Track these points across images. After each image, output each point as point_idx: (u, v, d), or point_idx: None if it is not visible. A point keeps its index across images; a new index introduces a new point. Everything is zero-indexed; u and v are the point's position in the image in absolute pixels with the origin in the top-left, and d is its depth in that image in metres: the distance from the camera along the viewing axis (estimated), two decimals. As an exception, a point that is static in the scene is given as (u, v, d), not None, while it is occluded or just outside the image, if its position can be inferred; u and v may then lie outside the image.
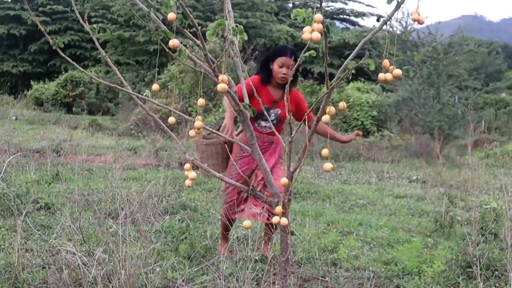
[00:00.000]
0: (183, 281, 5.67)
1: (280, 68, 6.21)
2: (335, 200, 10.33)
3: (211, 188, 10.47)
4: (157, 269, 5.89)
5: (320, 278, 6.05)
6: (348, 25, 52.35)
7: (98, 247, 6.41)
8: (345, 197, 10.75)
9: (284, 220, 3.31)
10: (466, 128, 21.59)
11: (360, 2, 53.34)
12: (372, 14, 52.24)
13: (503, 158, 18.05)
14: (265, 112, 4.84)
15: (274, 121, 6.33)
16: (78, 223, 6.43)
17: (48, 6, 44.95)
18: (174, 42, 3.06)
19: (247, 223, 3.37)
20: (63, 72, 36.09)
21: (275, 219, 3.31)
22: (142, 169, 12.25)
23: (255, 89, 4.80)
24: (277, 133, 4.72)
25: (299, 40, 34.18)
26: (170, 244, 6.88)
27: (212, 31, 3.24)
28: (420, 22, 3.14)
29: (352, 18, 52.72)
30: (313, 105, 3.36)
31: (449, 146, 19.69)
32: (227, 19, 3.33)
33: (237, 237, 7.11)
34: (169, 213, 8.23)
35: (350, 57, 3.17)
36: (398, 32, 20.75)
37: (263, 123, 6.35)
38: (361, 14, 51.97)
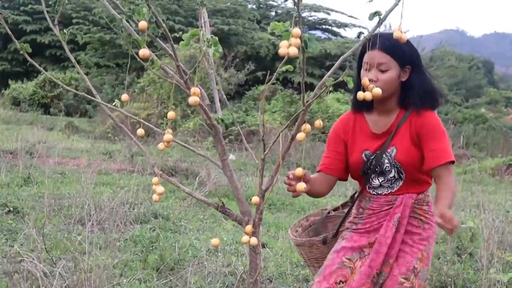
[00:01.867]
0: (150, 294, 5.54)
1: (365, 71, 3.54)
2: (310, 213, 10.18)
3: (185, 196, 10.31)
4: (124, 281, 5.74)
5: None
6: (330, 35, 52.28)
7: (64, 256, 6.28)
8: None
9: (254, 240, 3.17)
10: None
11: (342, 13, 53.54)
12: (354, 25, 52.24)
13: (480, 175, 17.99)
14: (370, 162, 3.70)
15: (392, 173, 3.70)
16: (43, 231, 6.26)
17: (30, 6, 44.61)
18: (144, 52, 2.91)
19: (215, 241, 3.22)
20: (41, 73, 35.76)
21: (244, 239, 3.17)
22: (116, 175, 12.07)
23: (342, 131, 3.80)
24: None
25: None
26: (139, 254, 6.72)
27: (186, 41, 3.11)
28: (402, 40, 3.02)
29: (334, 28, 52.71)
30: (289, 121, 3.21)
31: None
32: (202, 29, 3.20)
33: (207, 250, 6.98)
34: (140, 221, 8.08)
35: (328, 73, 3.04)
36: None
37: (376, 181, 3.76)
38: (343, 25, 51.97)
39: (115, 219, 7.74)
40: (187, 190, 3.46)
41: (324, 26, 52.38)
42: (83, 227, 7.23)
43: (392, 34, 3.09)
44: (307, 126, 3.03)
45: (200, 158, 15.24)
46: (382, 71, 3.49)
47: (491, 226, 8.18)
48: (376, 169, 3.71)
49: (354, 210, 3.94)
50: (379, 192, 3.77)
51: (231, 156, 16.71)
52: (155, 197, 3.28)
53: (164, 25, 2.97)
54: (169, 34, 2.99)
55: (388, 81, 3.50)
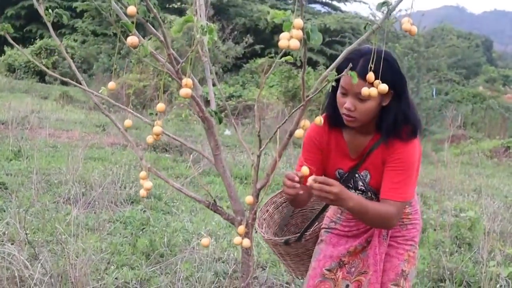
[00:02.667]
0: (138, 282, 5.34)
1: (342, 96, 3.21)
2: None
3: (179, 174, 10.10)
4: (112, 268, 5.55)
5: (285, 285, 5.73)
6: (330, 9, 51.97)
7: (50, 238, 6.09)
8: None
9: (246, 242, 2.97)
10: (442, 123, 21.46)
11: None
12: (355, 0, 51.86)
13: (478, 156, 17.84)
14: (344, 180, 3.48)
15: (368, 194, 3.49)
16: (25, 220, 6.06)
17: (26, -29, 44.27)
18: (133, 40, 2.69)
19: (205, 241, 3.02)
20: (37, 39, 35.53)
21: (236, 240, 2.96)
22: (108, 149, 11.82)
23: (317, 141, 3.48)
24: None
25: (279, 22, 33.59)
26: (129, 236, 6.52)
27: (178, 27, 2.87)
28: (411, 33, 2.79)
29: (335, 2, 52.41)
30: (292, 112, 2.97)
31: (425, 141, 19.48)
32: (196, 15, 2.97)
33: (199, 233, 6.80)
34: (131, 201, 7.87)
35: (331, 67, 2.82)
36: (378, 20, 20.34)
37: (354, 191, 3.52)
38: (344, -1, 51.68)
39: (106, 199, 7.55)
40: (177, 185, 3.25)
41: (324, 0, 52.04)
42: (72, 207, 7.01)
43: (374, 53, 2.85)
44: (306, 123, 2.81)
45: (196, 133, 15.07)
46: (361, 100, 3.13)
47: (491, 217, 8.04)
48: (350, 186, 3.50)
49: (333, 207, 3.74)
50: None
51: (227, 132, 16.51)
52: (142, 192, 3.08)
53: (155, 10, 2.75)
54: (160, 19, 2.77)
55: (367, 112, 3.17)
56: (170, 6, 30.16)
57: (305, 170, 2.97)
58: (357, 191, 3.48)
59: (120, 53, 31.00)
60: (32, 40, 36.99)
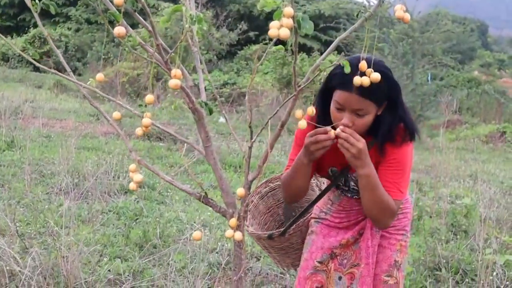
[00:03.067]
0: (131, 274, 5.29)
1: (338, 111, 3.09)
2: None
3: (173, 163, 10.05)
4: (105, 260, 5.50)
5: (279, 275, 5.68)
6: (324, -5, 51.77)
7: (43, 230, 6.03)
8: (311, 179, 10.34)
9: (238, 235, 2.91)
10: (437, 108, 21.40)
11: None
12: (349, -15, 51.62)
13: (474, 142, 17.80)
14: (335, 178, 3.43)
15: (359, 194, 3.32)
16: (15, 215, 6.00)
17: (19, -41, 44.03)
18: (119, 30, 2.62)
19: (196, 234, 2.96)
20: (31, 28, 35.37)
21: (228, 233, 2.90)
22: (102, 138, 11.76)
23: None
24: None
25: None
26: (122, 227, 6.47)
27: (167, 17, 2.81)
28: (405, 21, 2.72)
29: (329, -12, 52.15)
30: (284, 102, 2.90)
31: (420, 126, 19.42)
32: (185, 4, 2.90)
33: (193, 223, 6.75)
34: (125, 191, 7.80)
35: (322, 56, 2.74)
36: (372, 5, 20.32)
37: (345, 186, 3.50)
38: (338, -16, 51.41)
39: (99, 189, 7.49)
40: (168, 178, 3.18)
41: (318, -14, 51.85)
42: (65, 197, 6.96)
43: (372, 64, 2.77)
44: (300, 113, 2.75)
45: (190, 120, 14.99)
46: (359, 115, 3.04)
47: (487, 204, 7.99)
48: (341, 184, 3.45)
49: (323, 199, 3.65)
50: (349, 195, 3.51)
51: (221, 119, 16.41)
52: (132, 185, 3.00)
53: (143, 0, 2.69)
54: (148, 9, 2.71)
55: (365, 126, 3.09)
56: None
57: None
58: (348, 193, 3.44)
59: (114, 41, 30.91)
60: (26, 28, 36.80)
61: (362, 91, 2.88)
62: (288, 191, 3.41)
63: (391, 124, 3.17)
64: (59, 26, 38.13)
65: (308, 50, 31.38)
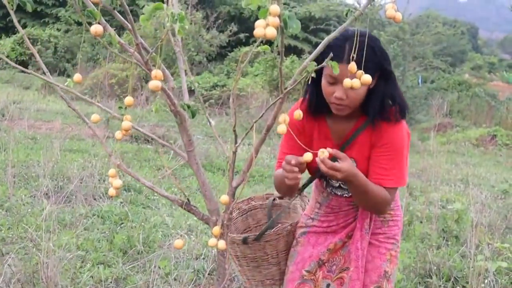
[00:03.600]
0: (113, 280, 5.16)
1: (330, 85, 3.01)
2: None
3: (160, 166, 9.91)
4: (87, 266, 5.36)
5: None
6: (315, -3, 51.71)
7: (24, 235, 5.89)
8: (300, 183, 10.22)
9: (221, 244, 2.77)
10: (428, 111, 21.35)
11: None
12: (340, -12, 51.60)
13: (465, 145, 17.74)
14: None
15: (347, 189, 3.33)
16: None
17: (9, -42, 43.70)
18: (97, 28, 2.49)
19: (178, 243, 2.82)
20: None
21: (211, 242, 2.77)
22: (89, 140, 11.61)
23: (300, 126, 3.25)
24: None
25: (264, 10, 33.34)
26: (106, 232, 6.32)
27: (147, 15, 2.68)
28: (396, 20, 2.60)
29: (320, -10, 52.09)
30: (270, 105, 2.77)
31: (411, 130, 19.32)
32: (166, 2, 2.77)
33: (179, 227, 6.63)
34: (108, 192, 7.64)
35: (310, 57, 2.61)
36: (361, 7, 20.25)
37: (334, 181, 3.36)
38: (329, -13, 51.35)
39: (84, 193, 7.35)
40: (148, 184, 3.06)
41: (309, -13, 51.79)
42: (48, 201, 6.82)
43: (359, 35, 2.66)
44: (285, 117, 2.61)
45: (179, 123, 14.82)
46: (351, 87, 2.76)
47: (478, 208, 7.89)
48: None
49: (310, 202, 3.56)
50: (338, 193, 3.38)
51: (212, 122, 16.27)
52: (111, 191, 2.88)
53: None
54: (127, 6, 2.58)
55: (358, 98, 3.00)
56: (153, -6, 29.96)
57: (307, 156, 2.79)
58: (338, 191, 3.32)
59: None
60: (15, 29, 36.61)
61: (352, 57, 2.70)
62: (278, 188, 3.35)
63: (383, 98, 3.07)
64: (49, 27, 37.92)
65: (298, 52, 31.27)
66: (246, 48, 30.04)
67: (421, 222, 7.73)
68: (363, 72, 2.67)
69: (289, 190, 3.30)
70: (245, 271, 3.65)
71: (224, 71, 28.34)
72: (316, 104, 3.17)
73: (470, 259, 5.79)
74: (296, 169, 2.91)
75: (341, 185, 3.30)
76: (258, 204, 3.95)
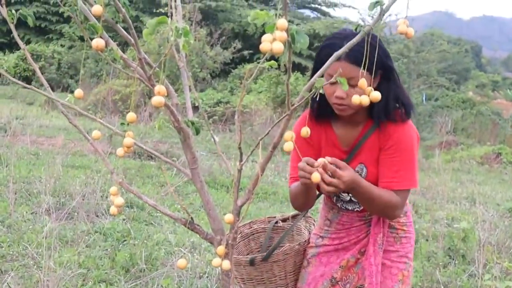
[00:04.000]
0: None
1: (330, 85, 2.92)
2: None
3: (163, 183, 9.83)
4: (89, 283, 5.28)
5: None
6: (319, 15, 51.75)
7: (25, 251, 5.82)
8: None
9: (226, 264, 2.69)
10: (433, 129, 21.29)
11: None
12: (344, 5, 51.66)
13: (469, 163, 17.65)
14: None
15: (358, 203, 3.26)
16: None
17: (13, -24, 43.86)
18: (98, 42, 2.42)
19: (181, 262, 2.74)
20: (24, 45, 35.23)
21: (215, 262, 2.69)
22: (92, 156, 11.53)
23: (307, 138, 2.97)
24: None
25: (267, 27, 33.31)
26: (108, 249, 6.24)
27: (150, 29, 2.61)
28: (408, 35, 2.52)
29: (324, 8, 52.12)
30: (277, 122, 2.70)
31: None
32: (170, 16, 2.70)
33: (183, 245, 6.54)
34: (110, 211, 7.57)
35: (318, 73, 2.53)
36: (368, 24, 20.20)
37: (345, 194, 3.29)
38: (333, 5, 51.38)
39: (86, 209, 7.28)
40: (151, 202, 2.97)
41: (313, 5, 51.83)
42: (49, 218, 6.75)
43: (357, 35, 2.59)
44: (292, 134, 2.53)
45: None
46: (352, 86, 2.85)
47: (485, 227, 7.80)
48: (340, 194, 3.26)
49: (319, 221, 3.48)
50: (349, 208, 3.30)
51: (215, 138, 16.21)
52: (113, 209, 2.80)
53: (124, 10, 2.49)
54: (129, 20, 2.51)
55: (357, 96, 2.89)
56: (158, 11, 29.95)
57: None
58: (349, 205, 3.24)
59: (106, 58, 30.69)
60: (19, 46, 36.76)
61: (353, 58, 2.74)
62: (294, 200, 3.25)
63: (387, 97, 2.99)
64: (52, 43, 37.98)
65: (303, 70, 31.27)
66: (250, 65, 30.05)
67: (427, 240, 7.64)
68: (373, 89, 2.60)
69: (306, 199, 3.20)
70: None
71: (228, 87, 28.33)
72: (319, 107, 3.12)
73: (478, 278, 5.70)
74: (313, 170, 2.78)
75: (352, 199, 3.23)
76: (260, 228, 3.86)
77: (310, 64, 35.03)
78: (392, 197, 3.01)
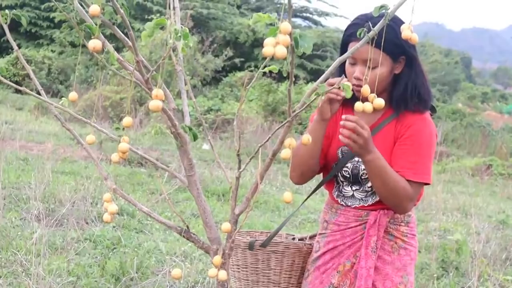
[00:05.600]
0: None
1: (351, 66, 2.98)
2: (285, 213, 9.56)
3: (154, 189, 9.75)
4: (78, 292, 5.19)
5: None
6: (310, 23, 51.82)
7: (14, 258, 5.73)
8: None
9: (222, 274, 2.62)
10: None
11: (324, 2, 53.02)
12: (335, 15, 51.74)
13: (460, 175, 17.64)
14: (347, 157, 3.13)
15: (370, 183, 3.11)
16: None
17: (4, -20, 43.70)
18: (95, 44, 2.35)
19: (176, 272, 2.66)
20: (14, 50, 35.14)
21: (211, 272, 2.61)
22: (82, 162, 11.45)
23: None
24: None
25: (260, 35, 33.52)
26: (98, 257, 6.16)
27: (149, 31, 2.54)
28: (412, 41, 2.46)
29: (315, 17, 52.19)
30: (276, 129, 2.63)
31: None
32: (169, 18, 2.63)
33: (174, 254, 6.46)
34: (103, 218, 7.48)
35: (320, 79, 2.47)
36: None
37: (348, 189, 3.22)
38: (325, 14, 51.45)
39: (75, 216, 7.19)
40: (145, 209, 2.90)
41: (305, 14, 51.88)
42: (39, 224, 6.66)
43: (383, 17, 2.52)
44: (292, 141, 2.46)
45: (173, 146, 14.67)
46: (371, 68, 2.81)
47: (478, 239, 7.75)
48: (348, 176, 3.16)
49: (320, 225, 3.38)
50: (349, 204, 3.20)
51: (205, 146, 16.16)
52: (106, 217, 2.73)
53: (121, 11, 2.42)
54: (128, 21, 2.44)
55: (378, 79, 2.78)
56: (149, 17, 29.90)
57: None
58: (349, 201, 3.18)
59: (98, 64, 30.62)
60: (10, 50, 36.54)
61: (371, 39, 2.62)
62: (293, 162, 3.12)
63: (406, 86, 2.99)
64: (43, 49, 37.85)
65: (294, 78, 31.27)
66: (242, 73, 30.02)
67: (419, 251, 7.58)
68: (376, 96, 2.53)
69: (307, 155, 3.13)
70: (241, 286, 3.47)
71: (219, 95, 28.30)
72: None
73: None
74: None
75: (354, 194, 3.16)
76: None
77: (301, 73, 35.02)
78: (406, 185, 2.94)
